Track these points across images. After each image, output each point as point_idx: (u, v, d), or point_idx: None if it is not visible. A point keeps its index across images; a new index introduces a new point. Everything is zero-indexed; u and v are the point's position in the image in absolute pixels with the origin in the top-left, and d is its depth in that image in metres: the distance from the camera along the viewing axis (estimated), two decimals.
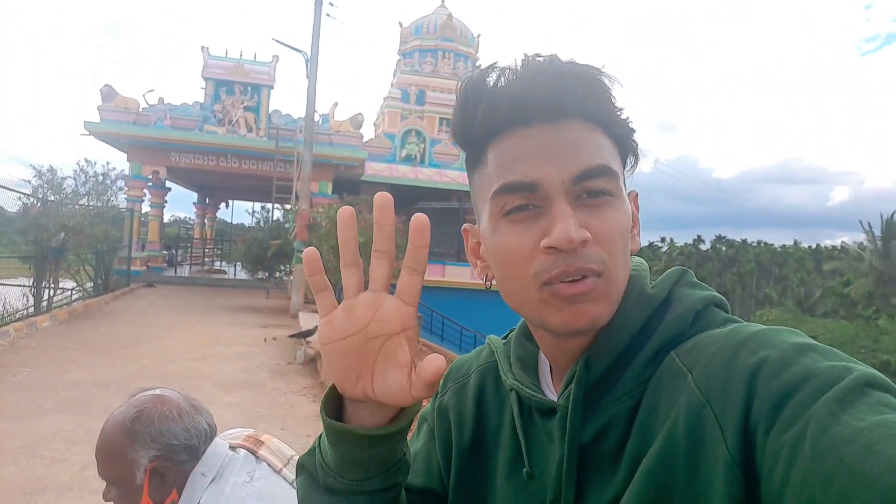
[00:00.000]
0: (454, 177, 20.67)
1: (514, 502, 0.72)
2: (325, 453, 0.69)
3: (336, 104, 20.11)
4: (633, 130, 0.69)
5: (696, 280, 0.72)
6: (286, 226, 15.18)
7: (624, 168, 0.69)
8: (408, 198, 20.22)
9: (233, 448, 1.32)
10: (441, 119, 22.87)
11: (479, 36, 25.14)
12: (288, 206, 16.60)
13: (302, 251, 12.50)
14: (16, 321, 8.84)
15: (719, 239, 63.17)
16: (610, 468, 0.64)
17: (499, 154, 0.66)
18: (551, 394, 0.73)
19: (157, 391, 1.30)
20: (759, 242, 64.25)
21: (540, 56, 0.65)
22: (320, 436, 0.72)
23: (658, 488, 0.57)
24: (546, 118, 0.64)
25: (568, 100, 0.63)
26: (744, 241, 63.34)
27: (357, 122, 20.05)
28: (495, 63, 0.67)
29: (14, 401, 5.41)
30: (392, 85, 23.92)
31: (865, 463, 0.44)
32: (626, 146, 0.68)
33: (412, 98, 22.75)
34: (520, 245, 0.63)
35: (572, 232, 0.60)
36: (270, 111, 19.51)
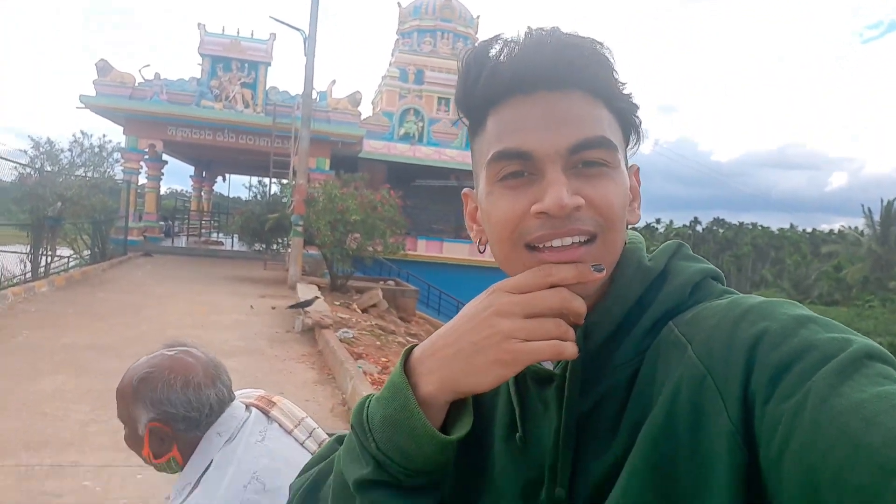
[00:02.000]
0: (453, 155, 20.58)
1: (513, 467, 0.73)
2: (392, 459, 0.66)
3: (334, 82, 19.97)
4: (636, 106, 0.68)
5: (692, 253, 0.72)
6: (283, 200, 15.15)
7: (627, 145, 0.69)
8: (406, 175, 20.17)
9: (245, 407, 1.34)
10: (440, 99, 22.74)
11: (478, 17, 24.93)
12: (285, 181, 16.56)
13: (299, 225, 12.53)
14: (13, 286, 8.84)
15: (717, 221, 63.28)
16: (607, 435, 0.64)
17: (498, 121, 0.66)
18: (547, 362, 0.72)
19: (183, 349, 1.31)
20: (755, 225, 64.38)
21: (543, 29, 0.65)
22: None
23: (662, 455, 0.58)
24: (547, 86, 0.64)
25: (570, 70, 0.63)
26: (741, 224, 63.49)
27: (355, 100, 19.92)
28: (499, 34, 0.67)
29: (13, 362, 5.43)
30: (390, 64, 23.73)
31: (866, 434, 0.44)
32: (628, 122, 0.68)
33: (411, 77, 22.58)
34: (512, 209, 0.64)
35: (564, 197, 0.60)
36: (268, 88, 19.38)
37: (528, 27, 0.66)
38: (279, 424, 1.33)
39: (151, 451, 1.25)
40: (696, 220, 61.41)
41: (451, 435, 0.65)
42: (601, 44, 0.66)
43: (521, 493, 0.71)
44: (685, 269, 0.68)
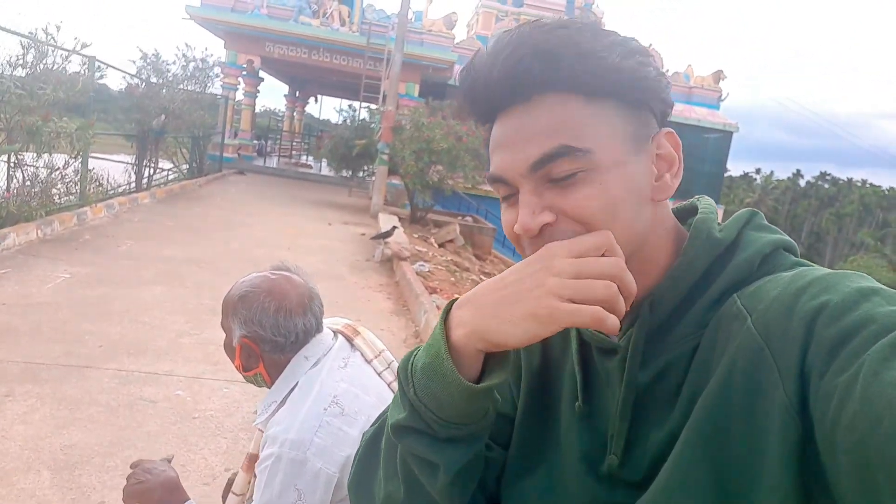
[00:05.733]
0: None
1: (575, 436, 0.74)
2: (433, 410, 0.67)
3: (430, 1, 19.52)
4: (637, 77, 0.63)
5: (765, 223, 0.70)
6: (372, 126, 15.24)
7: (649, 108, 0.65)
8: None
9: (333, 334, 1.43)
10: None
11: None
12: (375, 106, 16.60)
13: (385, 153, 12.62)
14: (120, 195, 9.45)
15: (822, 176, 59.12)
16: (667, 407, 0.64)
17: (490, 142, 0.69)
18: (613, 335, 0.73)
19: (285, 275, 1.38)
20: (864, 182, 59.73)
21: (504, 36, 0.63)
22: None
23: (715, 426, 0.57)
24: (517, 101, 0.63)
25: (528, 78, 0.61)
26: (849, 181, 59.05)
27: (450, 21, 19.46)
28: (477, 51, 0.67)
29: (118, 270, 5.88)
30: None
31: None
32: (631, 97, 0.63)
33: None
34: (509, 227, 0.67)
35: (526, 222, 0.62)
36: (364, 5, 19.19)
37: (481, 47, 0.65)
38: (361, 353, 1.41)
39: (241, 363, 1.37)
40: (798, 173, 57.59)
41: (480, 384, 0.64)
42: (569, 27, 0.62)
43: (582, 460, 0.72)
44: (756, 240, 0.66)
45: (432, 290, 6.82)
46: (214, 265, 6.53)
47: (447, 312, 0.67)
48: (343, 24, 18.93)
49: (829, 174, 59.60)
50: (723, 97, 21.75)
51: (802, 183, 57.93)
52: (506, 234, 0.70)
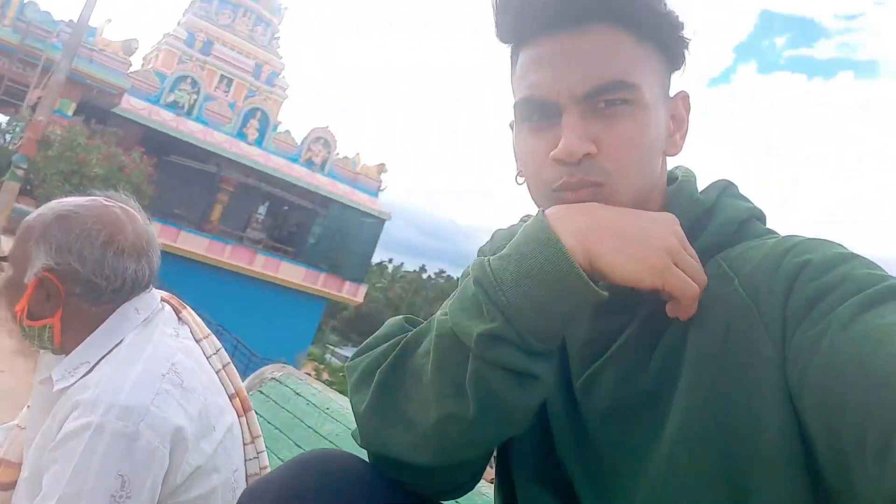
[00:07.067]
0: (220, 140, 19.33)
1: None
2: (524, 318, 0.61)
3: (109, 21, 17.99)
4: (679, 25, 0.66)
5: (740, 192, 0.73)
6: (7, 133, 13.15)
7: (674, 67, 0.69)
8: (162, 147, 18.59)
9: (160, 300, 1.20)
10: (223, 77, 21.66)
11: (286, 9, 24.46)
12: (16, 113, 14.36)
13: (21, 168, 10.97)
14: None
15: (440, 273, 68.51)
16: (640, 355, 0.66)
17: (523, 62, 0.68)
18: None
19: (124, 207, 1.12)
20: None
21: None
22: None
23: (717, 387, 0.59)
24: (569, 24, 0.64)
25: (589, 2, 0.63)
26: (457, 280, 69.10)
27: (129, 48, 18.12)
28: None
29: None
30: (179, 24, 22.04)
31: (875, 354, 0.46)
32: (668, 46, 0.67)
33: (198, 45, 21.21)
34: (535, 154, 0.67)
35: (573, 146, 0.62)
36: (25, 1, 16.71)
37: None
38: (190, 329, 1.18)
39: (28, 308, 1.04)
40: (423, 268, 65.78)
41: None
42: None
43: (559, 376, 0.73)
44: (734, 206, 0.69)
45: None
46: None
47: (543, 216, 0.63)
48: None
49: (445, 272, 69.23)
50: (382, 187, 23.90)
51: (425, 276, 66.10)
52: (524, 167, 0.70)
